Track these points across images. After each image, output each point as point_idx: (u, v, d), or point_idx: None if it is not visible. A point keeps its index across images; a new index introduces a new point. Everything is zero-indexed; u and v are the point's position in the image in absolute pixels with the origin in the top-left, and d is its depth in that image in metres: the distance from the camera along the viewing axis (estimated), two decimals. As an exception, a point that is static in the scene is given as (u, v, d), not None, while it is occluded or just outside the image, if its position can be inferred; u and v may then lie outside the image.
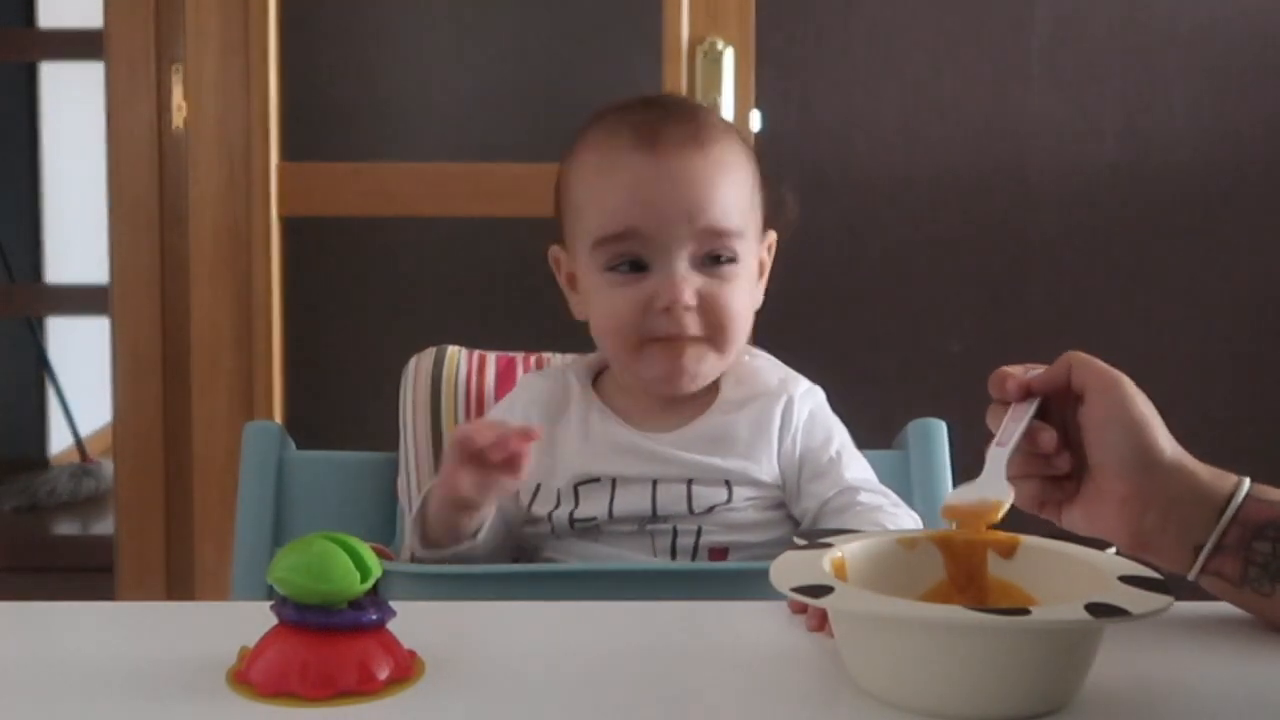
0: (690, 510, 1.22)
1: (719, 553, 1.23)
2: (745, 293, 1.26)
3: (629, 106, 1.31)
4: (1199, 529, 0.92)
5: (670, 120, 1.26)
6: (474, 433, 1.12)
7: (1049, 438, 0.96)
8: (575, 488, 1.25)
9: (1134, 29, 2.45)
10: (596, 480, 1.25)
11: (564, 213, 1.31)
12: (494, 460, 1.12)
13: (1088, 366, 0.97)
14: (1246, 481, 0.93)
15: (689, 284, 1.22)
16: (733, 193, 1.24)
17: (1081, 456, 0.97)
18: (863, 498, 1.23)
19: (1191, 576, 0.93)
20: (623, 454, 1.25)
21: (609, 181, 1.24)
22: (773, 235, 1.32)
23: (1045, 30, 2.44)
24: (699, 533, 1.22)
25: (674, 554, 1.22)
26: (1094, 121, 2.45)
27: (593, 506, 1.24)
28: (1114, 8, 2.45)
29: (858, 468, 1.28)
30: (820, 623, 0.94)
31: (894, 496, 1.26)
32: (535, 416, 1.29)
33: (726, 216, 1.23)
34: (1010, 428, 0.96)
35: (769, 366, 1.32)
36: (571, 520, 1.24)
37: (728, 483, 1.24)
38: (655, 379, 1.25)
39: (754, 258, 1.28)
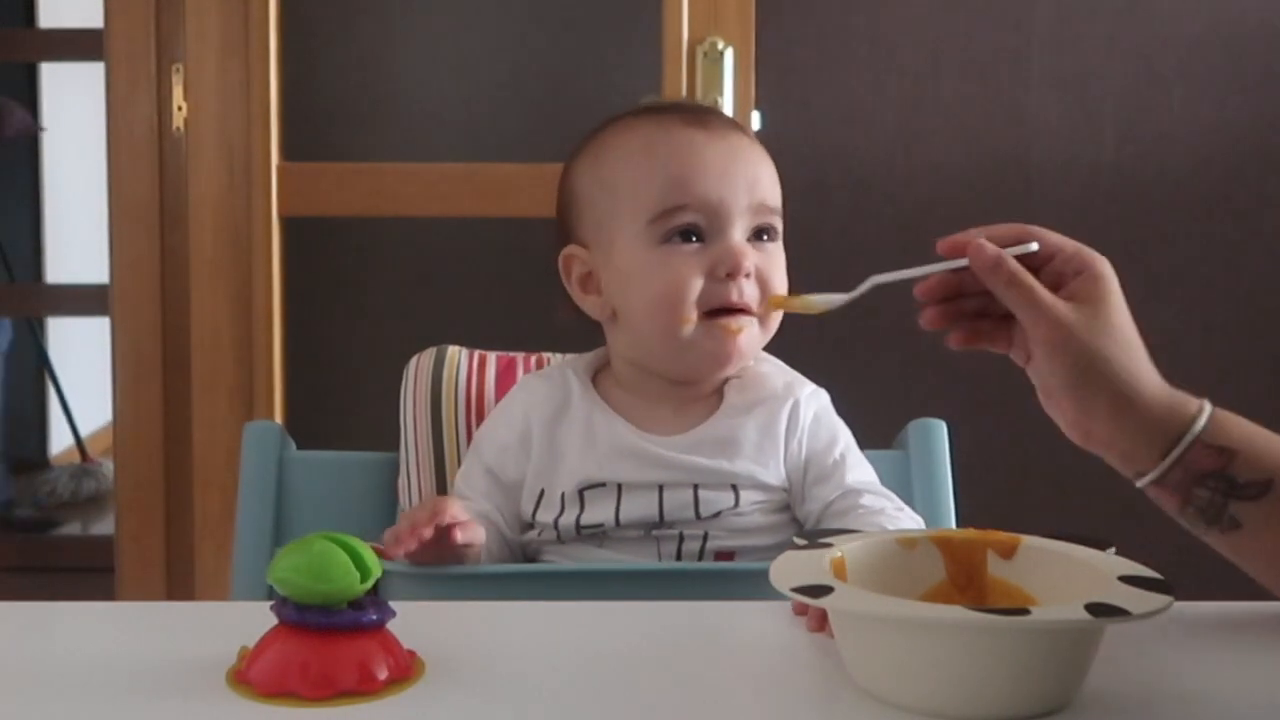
0: (697, 515, 1.22)
1: (725, 557, 1.22)
2: (784, 273, 1.27)
3: (652, 105, 1.33)
4: (1142, 461, 0.95)
5: (709, 110, 1.32)
6: (392, 550, 1.13)
7: (928, 316, 1.01)
8: (580, 493, 1.24)
9: (1133, 29, 2.45)
10: (602, 485, 1.24)
11: (590, 205, 1.28)
12: (416, 552, 1.12)
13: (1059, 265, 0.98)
14: (1201, 420, 0.94)
15: (749, 253, 1.23)
16: (773, 175, 1.28)
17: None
18: (865, 500, 1.23)
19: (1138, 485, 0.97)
20: (628, 458, 1.24)
21: (666, 156, 1.24)
22: None
23: (1045, 30, 2.44)
24: (705, 538, 1.22)
25: (679, 559, 1.22)
26: (1094, 121, 2.45)
27: (599, 512, 1.23)
28: (1114, 8, 2.45)
29: (861, 470, 1.27)
30: (820, 623, 0.94)
31: (897, 500, 1.25)
32: (536, 420, 1.28)
33: (773, 194, 1.26)
34: (909, 272, 1.01)
35: (775, 370, 1.31)
36: (578, 526, 1.23)
37: (734, 487, 1.23)
38: (704, 356, 1.24)
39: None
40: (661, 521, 1.22)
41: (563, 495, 1.24)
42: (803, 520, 1.26)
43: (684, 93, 2.22)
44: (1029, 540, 0.93)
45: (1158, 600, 0.81)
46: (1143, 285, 2.49)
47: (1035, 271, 0.98)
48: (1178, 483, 0.94)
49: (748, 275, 1.22)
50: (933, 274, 1.01)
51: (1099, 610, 0.79)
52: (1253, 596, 1.00)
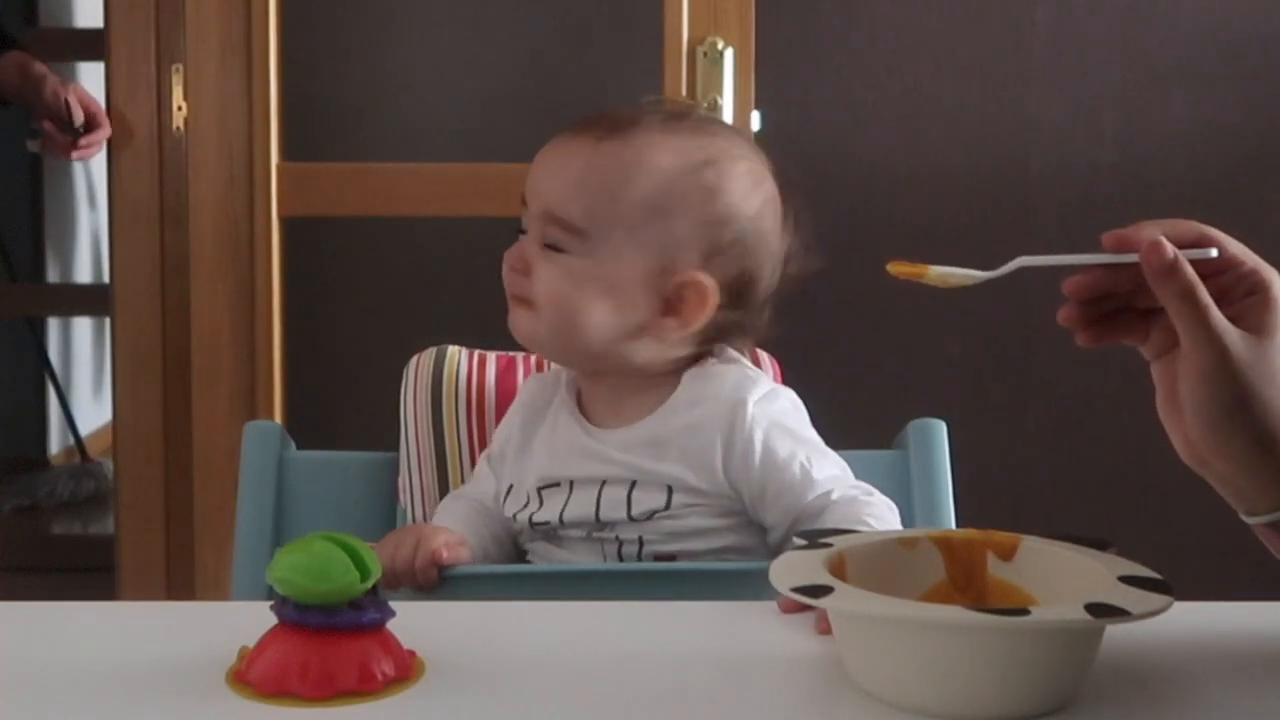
0: (629, 516, 1.21)
1: (666, 560, 1.22)
2: (568, 282, 1.21)
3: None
4: (1259, 503, 0.87)
5: (609, 115, 1.26)
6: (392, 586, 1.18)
7: (1068, 312, 0.91)
8: (539, 490, 1.26)
9: (1133, 29, 2.45)
10: (557, 484, 1.25)
11: None
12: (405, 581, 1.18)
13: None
14: None
15: (521, 249, 1.24)
16: (585, 187, 1.22)
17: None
18: (835, 496, 1.21)
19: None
20: (576, 455, 1.25)
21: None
22: (697, 277, 1.22)
23: (1045, 30, 2.44)
24: (641, 542, 1.21)
25: (620, 561, 1.22)
26: (1094, 121, 2.45)
27: (549, 510, 1.24)
28: (1114, 8, 2.45)
29: (827, 467, 1.23)
30: (828, 626, 0.93)
31: (866, 486, 1.23)
32: (518, 420, 1.31)
33: (564, 206, 1.21)
34: (1064, 258, 0.90)
35: (731, 371, 1.26)
36: (531, 522, 1.25)
37: (669, 488, 1.21)
38: None
39: (606, 263, 1.22)
40: (598, 521, 1.22)
41: (527, 493, 1.27)
42: (771, 527, 1.23)
43: (684, 92, 2.22)
44: (1029, 540, 0.93)
45: (1158, 600, 0.81)
46: (1143, 285, 2.49)
47: (1202, 280, 0.86)
48: None
49: (515, 269, 1.24)
50: (1087, 268, 0.90)
51: (1099, 610, 0.79)
52: (1253, 596, 1.00)
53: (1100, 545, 0.92)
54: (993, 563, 0.93)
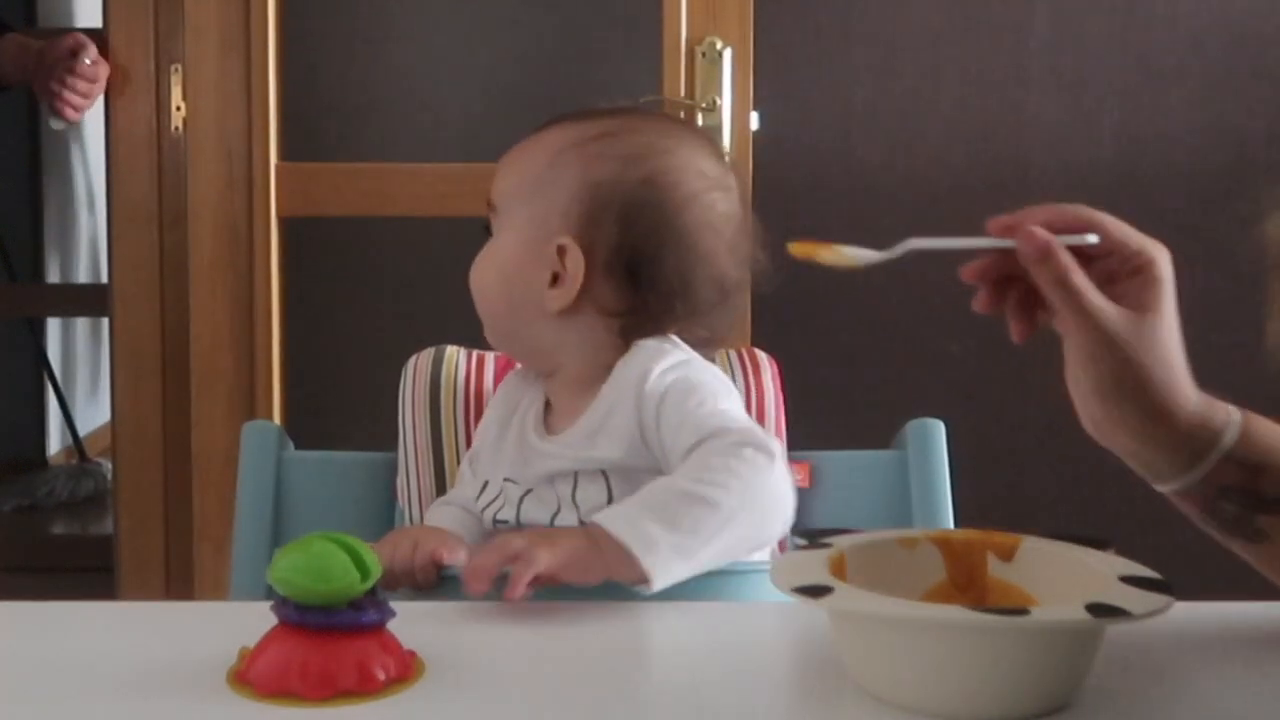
0: (580, 521, 1.18)
1: None
2: (480, 263, 1.32)
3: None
4: (1165, 473, 0.91)
5: (570, 113, 1.33)
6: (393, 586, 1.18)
7: (985, 300, 0.94)
8: (503, 486, 1.26)
9: (1133, 29, 2.45)
10: (516, 483, 1.25)
11: None
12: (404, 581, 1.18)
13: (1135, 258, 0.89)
14: (1228, 436, 0.89)
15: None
16: (515, 168, 1.30)
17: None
18: (710, 444, 1.14)
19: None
20: (526, 456, 1.26)
21: None
22: (564, 242, 1.24)
23: (1045, 30, 2.44)
24: None
25: None
26: (1094, 121, 2.45)
27: (509, 509, 1.25)
28: (1113, 8, 2.45)
29: (717, 410, 1.18)
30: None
31: (756, 449, 1.13)
32: (494, 417, 1.32)
33: (497, 187, 1.31)
34: (949, 241, 0.94)
35: (646, 347, 1.23)
36: (494, 520, 1.25)
37: (604, 473, 1.20)
38: None
39: (502, 236, 1.31)
40: (552, 525, 1.21)
41: (499, 488, 1.26)
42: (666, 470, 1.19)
43: (683, 93, 2.22)
44: (1029, 540, 0.93)
45: (1158, 600, 0.81)
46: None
47: (1089, 261, 0.90)
48: (1201, 495, 0.90)
49: None
50: (979, 252, 0.92)
51: (1099, 610, 0.79)
52: (1253, 596, 1.00)
53: (1100, 545, 0.92)
54: (993, 563, 0.93)
